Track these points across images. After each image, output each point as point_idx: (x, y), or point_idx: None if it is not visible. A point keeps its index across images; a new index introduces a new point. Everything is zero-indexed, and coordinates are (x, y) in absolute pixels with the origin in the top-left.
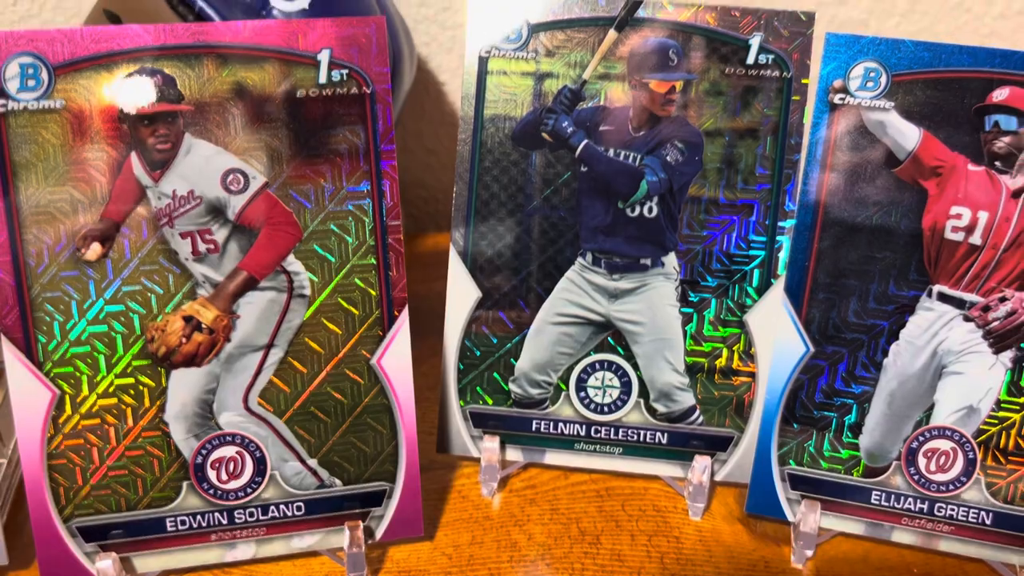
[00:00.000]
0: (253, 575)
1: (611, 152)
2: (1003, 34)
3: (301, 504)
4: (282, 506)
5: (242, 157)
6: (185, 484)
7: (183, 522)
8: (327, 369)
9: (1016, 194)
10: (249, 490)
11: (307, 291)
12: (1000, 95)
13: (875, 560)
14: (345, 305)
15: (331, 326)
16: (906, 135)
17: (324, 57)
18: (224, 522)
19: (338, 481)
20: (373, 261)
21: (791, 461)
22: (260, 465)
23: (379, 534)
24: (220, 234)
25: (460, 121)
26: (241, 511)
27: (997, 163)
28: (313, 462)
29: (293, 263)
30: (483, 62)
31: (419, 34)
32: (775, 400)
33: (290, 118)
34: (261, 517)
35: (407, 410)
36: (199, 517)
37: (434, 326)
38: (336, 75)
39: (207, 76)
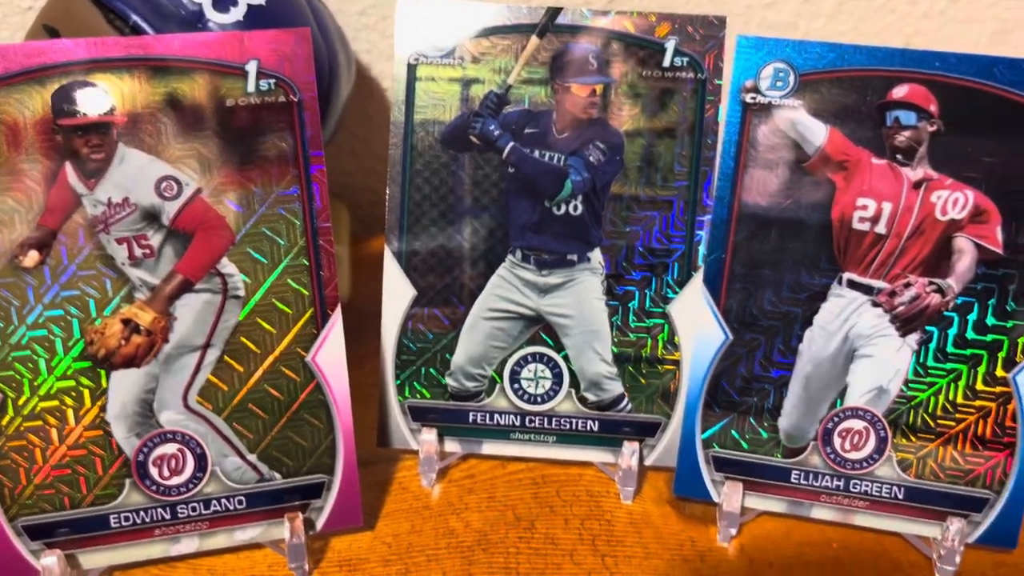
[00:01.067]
0: (198, 569)
1: (537, 153)
2: (927, 33)
3: (242, 498)
4: (223, 500)
5: (175, 165)
6: (128, 482)
7: (127, 518)
8: (263, 367)
9: (916, 185)
10: (191, 485)
11: (241, 292)
12: (899, 92)
13: (797, 536)
14: (279, 305)
15: (266, 325)
16: (814, 131)
17: (252, 68)
18: (167, 517)
19: (277, 475)
20: (305, 262)
21: (715, 444)
22: (201, 461)
23: (319, 525)
24: (155, 239)
25: (391, 126)
26: (183, 506)
27: (898, 156)
28: (253, 457)
29: (227, 265)
30: (411, 69)
31: (360, 42)
32: (698, 386)
33: (221, 127)
34: (203, 511)
35: (343, 405)
36: (142, 513)
37: (379, 327)
38: (264, 85)
39: (139, 88)
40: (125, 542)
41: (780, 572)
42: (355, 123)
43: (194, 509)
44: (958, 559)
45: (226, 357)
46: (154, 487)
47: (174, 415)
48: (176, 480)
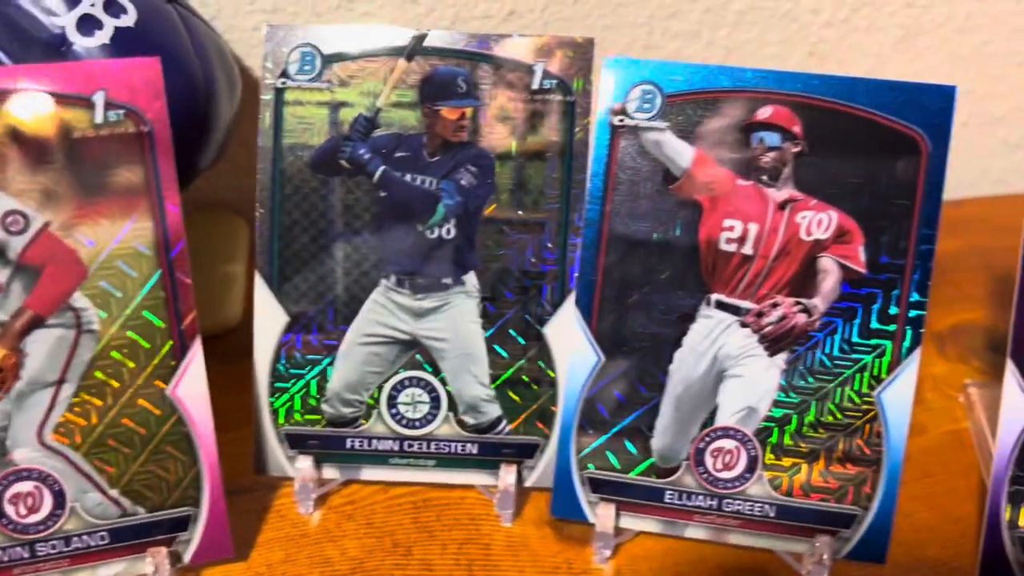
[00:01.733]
0: None
1: (408, 177)
2: (831, 41)
3: (104, 533)
4: (85, 536)
5: (21, 199)
6: None
7: None
8: (122, 401)
9: (781, 206)
10: (50, 523)
11: (96, 326)
12: (764, 113)
13: (674, 556)
14: (135, 338)
15: (123, 359)
16: (681, 153)
17: (99, 98)
18: (26, 556)
19: (141, 509)
20: (162, 294)
21: (590, 465)
22: (59, 498)
23: (187, 558)
24: (2, 274)
25: (259, 151)
26: (43, 544)
27: (764, 177)
28: (115, 492)
29: (80, 300)
30: (279, 92)
31: (255, 58)
32: (572, 408)
33: (68, 159)
34: (64, 549)
35: (206, 437)
36: (0, 552)
37: None
38: (112, 115)
39: None
40: None
41: None
42: (250, 137)
43: (54, 547)
44: (826, 574)
45: (82, 393)
46: (11, 526)
47: (29, 452)
48: (34, 518)
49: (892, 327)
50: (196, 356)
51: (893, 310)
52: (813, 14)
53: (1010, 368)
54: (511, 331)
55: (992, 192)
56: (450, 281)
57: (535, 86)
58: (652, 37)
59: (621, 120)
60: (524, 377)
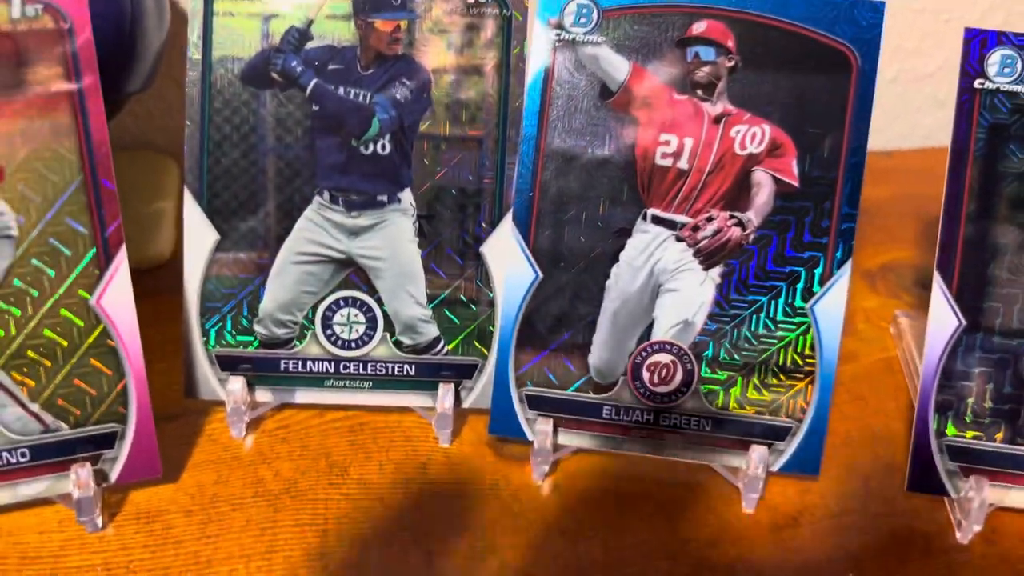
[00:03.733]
0: None
1: (341, 91)
2: None
3: (25, 450)
4: (4, 453)
5: None
6: None
7: None
8: (43, 311)
9: (716, 120)
10: None
11: (14, 232)
12: (699, 28)
13: (612, 471)
14: (57, 244)
15: (43, 267)
16: (617, 67)
17: None
18: None
19: (64, 425)
20: (84, 199)
21: (528, 383)
22: None
23: (114, 476)
24: None
25: (187, 63)
26: None
27: (699, 92)
28: (35, 407)
29: None
30: (208, 2)
31: None
32: (510, 326)
33: None
34: None
35: (133, 349)
36: None
37: None
38: (31, 10)
39: None
40: None
41: (594, 507)
42: (181, 73)
43: None
44: (761, 486)
45: (0, 301)
46: None
47: None
48: None
49: (824, 239)
50: (121, 265)
51: (825, 223)
52: None
53: (936, 278)
54: (448, 250)
55: (921, 146)
56: (386, 198)
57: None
58: None
59: (558, 35)
60: (462, 297)
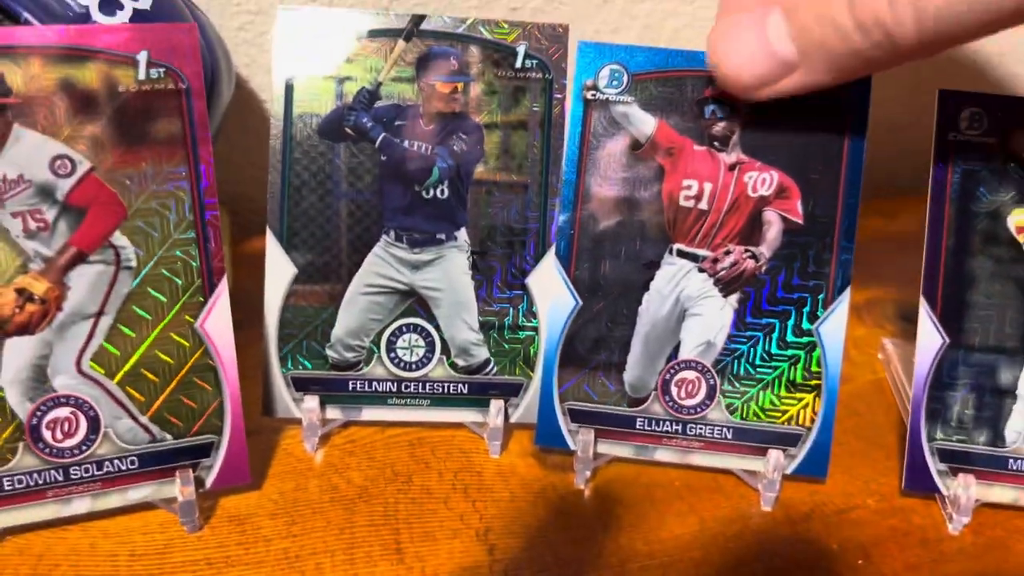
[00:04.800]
0: (89, 530)
1: (406, 143)
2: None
3: (134, 458)
4: (116, 461)
5: (69, 145)
6: (21, 445)
7: (20, 480)
8: (154, 333)
9: (731, 168)
10: (84, 447)
11: (133, 263)
12: (714, 89)
13: (645, 478)
14: (168, 275)
15: (156, 294)
16: (645, 123)
17: (143, 57)
18: (60, 479)
19: (168, 436)
20: (193, 235)
21: (570, 398)
22: (94, 424)
23: (209, 482)
24: (50, 213)
25: (271, 119)
26: (77, 467)
27: (715, 143)
28: (144, 419)
29: (119, 238)
30: (289, 81)
31: (239, 56)
32: (554, 348)
33: (113, 110)
34: (96, 472)
35: (230, 368)
36: (35, 475)
37: (258, 316)
38: (154, 73)
39: (34, 73)
40: (17, 504)
41: (630, 508)
42: (235, 134)
43: (87, 470)
44: (778, 487)
45: (118, 324)
46: (47, 450)
47: (68, 380)
48: (69, 442)
49: (826, 269)
50: (222, 293)
51: (827, 255)
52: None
53: (923, 303)
54: (497, 282)
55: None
56: (444, 237)
57: (518, 65)
58: (622, 20)
59: (593, 94)
60: (508, 323)
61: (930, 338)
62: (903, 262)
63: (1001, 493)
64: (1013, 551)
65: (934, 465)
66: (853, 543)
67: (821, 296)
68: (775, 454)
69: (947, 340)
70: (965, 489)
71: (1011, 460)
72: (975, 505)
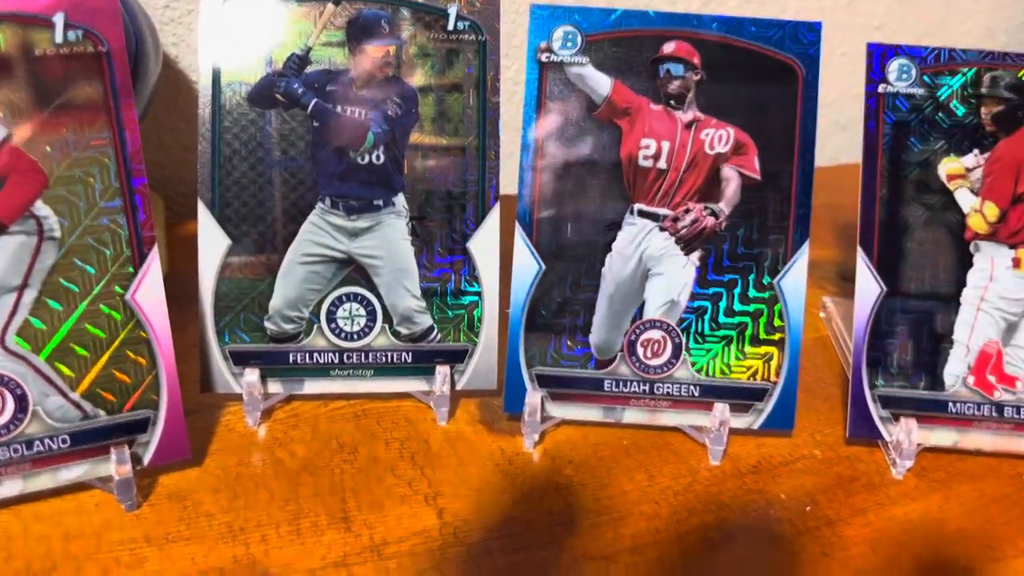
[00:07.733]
0: (21, 514)
1: (339, 109)
2: None
3: (66, 437)
4: (47, 440)
5: None
6: None
7: None
8: (83, 306)
9: (688, 125)
10: (12, 427)
11: (57, 233)
12: (669, 48)
13: (593, 438)
14: (95, 245)
15: (83, 265)
16: (600, 84)
17: (59, 19)
18: None
19: (102, 412)
20: (120, 203)
21: (536, 363)
22: (22, 402)
23: (147, 459)
24: None
25: (199, 88)
26: (4, 448)
27: (672, 102)
28: (75, 395)
29: (42, 208)
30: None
31: (166, 35)
32: (519, 312)
33: (29, 75)
34: (26, 452)
35: (164, 341)
36: None
37: (196, 296)
38: (72, 36)
39: None
40: None
41: (580, 468)
42: (164, 114)
43: (16, 451)
44: (725, 440)
45: (44, 297)
46: None
47: None
48: None
49: (785, 223)
50: (153, 263)
51: (784, 210)
52: None
53: (860, 253)
54: (438, 247)
55: (828, 164)
56: (381, 203)
57: (450, 27)
58: None
59: (547, 57)
60: (451, 288)
61: (868, 287)
62: (842, 228)
63: (942, 436)
64: (955, 491)
65: (876, 412)
66: (800, 491)
67: (780, 251)
68: (720, 407)
69: (884, 288)
70: (907, 434)
71: (950, 404)
72: (917, 449)
